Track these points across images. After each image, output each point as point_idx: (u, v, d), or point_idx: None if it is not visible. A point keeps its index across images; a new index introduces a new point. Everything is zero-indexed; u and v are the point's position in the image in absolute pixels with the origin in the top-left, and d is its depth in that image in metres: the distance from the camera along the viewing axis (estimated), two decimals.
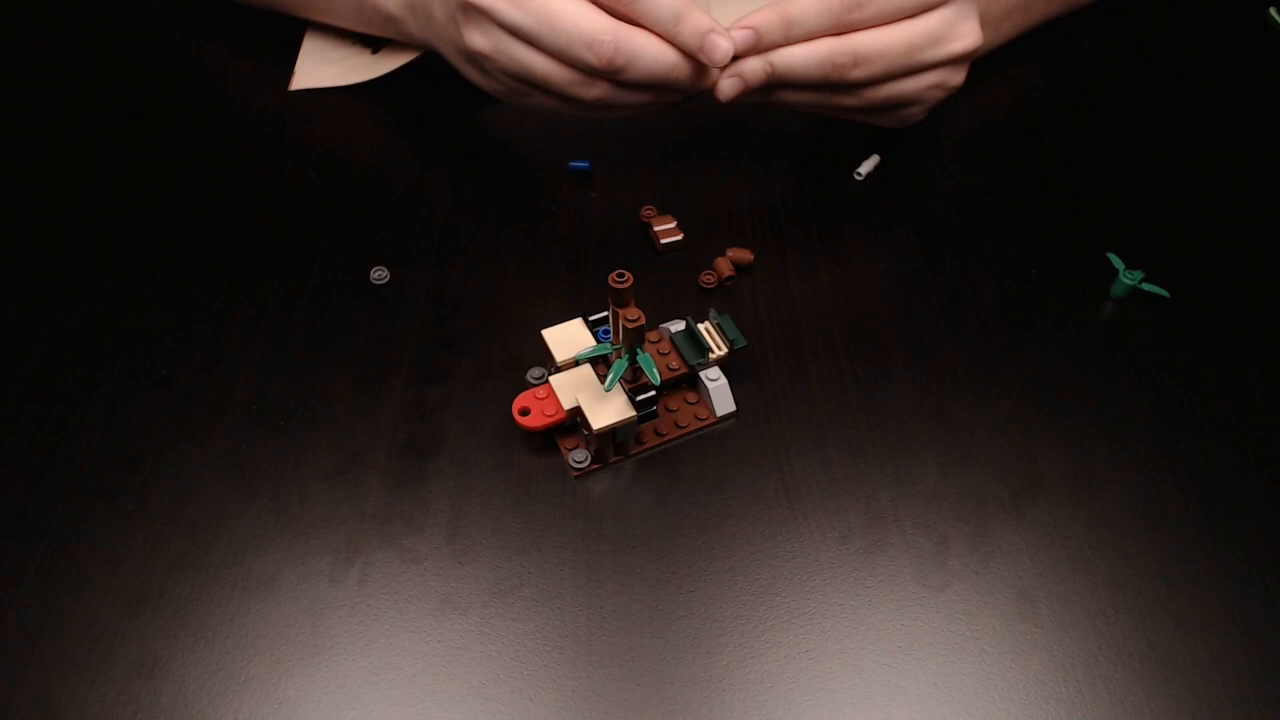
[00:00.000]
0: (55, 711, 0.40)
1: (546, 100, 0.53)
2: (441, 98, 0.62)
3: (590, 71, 0.50)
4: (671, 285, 0.54)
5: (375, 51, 0.64)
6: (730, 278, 0.54)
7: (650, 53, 0.49)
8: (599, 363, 0.48)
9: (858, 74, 0.51)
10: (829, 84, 0.52)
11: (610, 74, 0.49)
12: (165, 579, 0.43)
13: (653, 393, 0.46)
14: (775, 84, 0.52)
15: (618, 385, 0.46)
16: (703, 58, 0.50)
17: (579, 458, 0.47)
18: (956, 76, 0.55)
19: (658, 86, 0.51)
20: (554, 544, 0.45)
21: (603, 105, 0.52)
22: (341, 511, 0.46)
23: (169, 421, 0.48)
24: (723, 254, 0.55)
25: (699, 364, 0.48)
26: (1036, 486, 0.47)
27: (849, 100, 0.54)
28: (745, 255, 0.55)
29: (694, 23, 0.49)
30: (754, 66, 0.51)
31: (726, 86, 0.52)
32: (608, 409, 0.45)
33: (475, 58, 0.53)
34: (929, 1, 0.51)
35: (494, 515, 0.46)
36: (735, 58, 0.51)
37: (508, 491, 0.46)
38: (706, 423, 0.49)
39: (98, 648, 0.41)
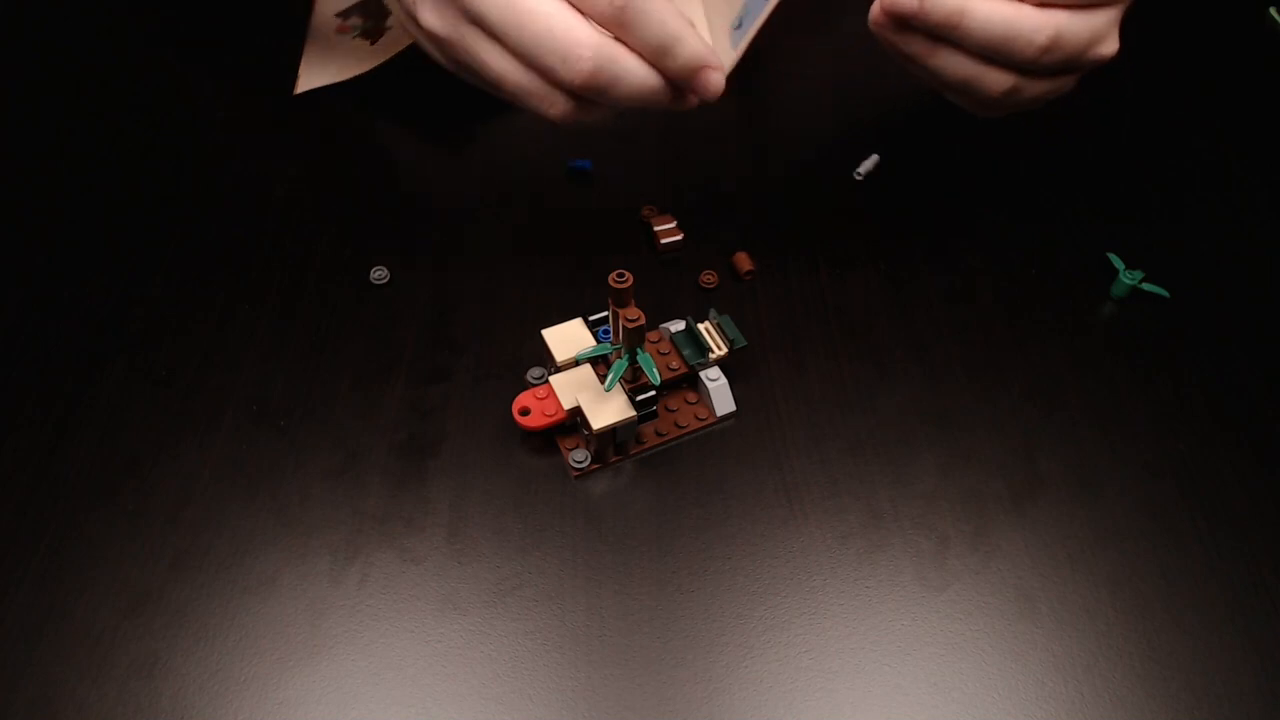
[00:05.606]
0: (55, 711, 0.40)
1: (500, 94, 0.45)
2: (442, 97, 0.62)
3: (556, 85, 0.43)
4: (671, 285, 0.54)
5: (374, 43, 0.64)
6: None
7: (634, 78, 0.42)
8: (599, 363, 0.48)
9: (1046, 59, 0.44)
10: (1002, 57, 0.45)
11: (583, 94, 0.42)
12: (165, 579, 0.43)
13: (653, 393, 0.46)
14: (947, 37, 0.44)
15: (618, 385, 0.46)
16: (692, 93, 0.43)
17: (579, 458, 0.47)
18: (1071, 84, 0.49)
19: (632, 107, 0.44)
20: (554, 544, 0.45)
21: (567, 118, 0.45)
22: (341, 511, 0.46)
23: (169, 421, 0.48)
24: (724, 255, 0.55)
25: (699, 364, 0.48)
26: (1036, 486, 0.47)
27: (994, 79, 0.46)
28: (746, 262, 0.55)
29: (688, 52, 0.42)
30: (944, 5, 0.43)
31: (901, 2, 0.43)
32: (608, 409, 0.45)
33: (428, 39, 0.46)
34: None
35: (494, 515, 0.46)
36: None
37: (508, 491, 0.46)
38: (706, 423, 0.49)
39: (98, 648, 0.41)
